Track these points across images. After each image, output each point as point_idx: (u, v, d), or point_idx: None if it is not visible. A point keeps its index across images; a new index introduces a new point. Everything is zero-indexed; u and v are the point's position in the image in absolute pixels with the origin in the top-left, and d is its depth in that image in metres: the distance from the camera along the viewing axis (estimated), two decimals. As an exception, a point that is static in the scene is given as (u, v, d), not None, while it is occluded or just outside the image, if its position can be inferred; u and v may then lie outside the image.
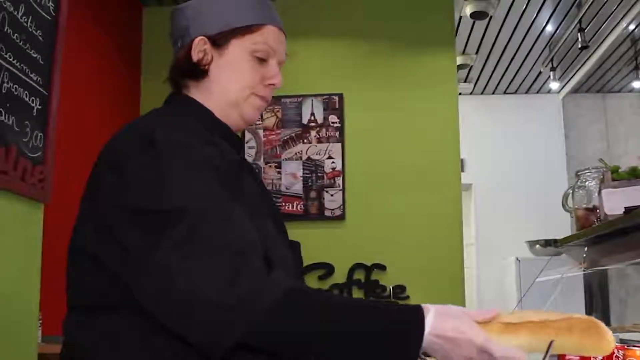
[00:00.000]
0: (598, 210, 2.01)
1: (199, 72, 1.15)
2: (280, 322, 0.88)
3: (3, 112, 1.75)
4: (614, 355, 1.69)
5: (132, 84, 4.00)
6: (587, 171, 2.14)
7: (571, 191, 2.21)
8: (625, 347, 1.68)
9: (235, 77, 1.15)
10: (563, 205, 2.31)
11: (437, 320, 0.88)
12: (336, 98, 3.90)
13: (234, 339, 0.87)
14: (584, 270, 2.35)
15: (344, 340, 0.89)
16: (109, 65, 3.68)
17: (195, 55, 1.14)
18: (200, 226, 0.91)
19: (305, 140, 3.88)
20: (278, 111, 3.90)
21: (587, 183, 2.12)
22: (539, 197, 5.82)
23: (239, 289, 0.88)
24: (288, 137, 3.90)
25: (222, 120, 1.17)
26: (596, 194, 2.03)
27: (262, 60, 1.16)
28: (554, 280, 2.58)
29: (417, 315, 0.89)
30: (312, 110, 3.91)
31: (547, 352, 0.89)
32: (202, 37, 1.14)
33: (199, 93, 1.16)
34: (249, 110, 1.18)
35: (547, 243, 3.20)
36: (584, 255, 2.20)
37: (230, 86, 1.15)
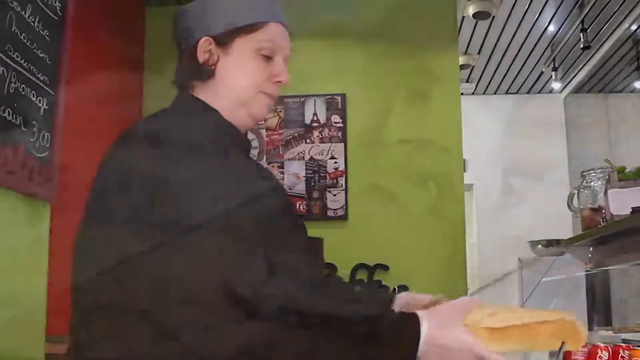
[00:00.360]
0: (604, 211, 2.01)
1: (206, 72, 1.15)
2: (275, 339, 0.90)
3: (10, 112, 1.75)
4: (619, 355, 1.69)
5: (134, 83, 4.00)
6: (592, 171, 2.13)
7: (576, 191, 2.21)
8: (631, 347, 1.69)
9: (241, 76, 1.15)
10: (568, 206, 2.31)
11: (432, 329, 0.90)
12: (339, 98, 3.90)
13: (227, 357, 0.89)
14: (587, 271, 2.36)
15: (339, 351, 0.90)
16: (112, 65, 3.68)
17: (201, 56, 1.15)
18: (200, 238, 0.92)
19: (307, 140, 3.88)
20: (281, 111, 3.90)
21: (592, 183, 2.12)
22: (541, 197, 5.83)
23: (230, 306, 0.89)
24: (291, 137, 3.89)
25: (230, 120, 1.17)
26: (602, 194, 2.03)
27: (267, 58, 1.16)
28: (557, 281, 2.58)
29: (412, 325, 0.91)
30: (314, 110, 3.91)
31: (559, 352, 0.94)
32: (207, 37, 1.14)
33: (205, 93, 1.16)
34: (257, 109, 1.18)
35: (550, 243, 3.20)
36: (589, 255, 2.21)
37: (237, 85, 1.16)
